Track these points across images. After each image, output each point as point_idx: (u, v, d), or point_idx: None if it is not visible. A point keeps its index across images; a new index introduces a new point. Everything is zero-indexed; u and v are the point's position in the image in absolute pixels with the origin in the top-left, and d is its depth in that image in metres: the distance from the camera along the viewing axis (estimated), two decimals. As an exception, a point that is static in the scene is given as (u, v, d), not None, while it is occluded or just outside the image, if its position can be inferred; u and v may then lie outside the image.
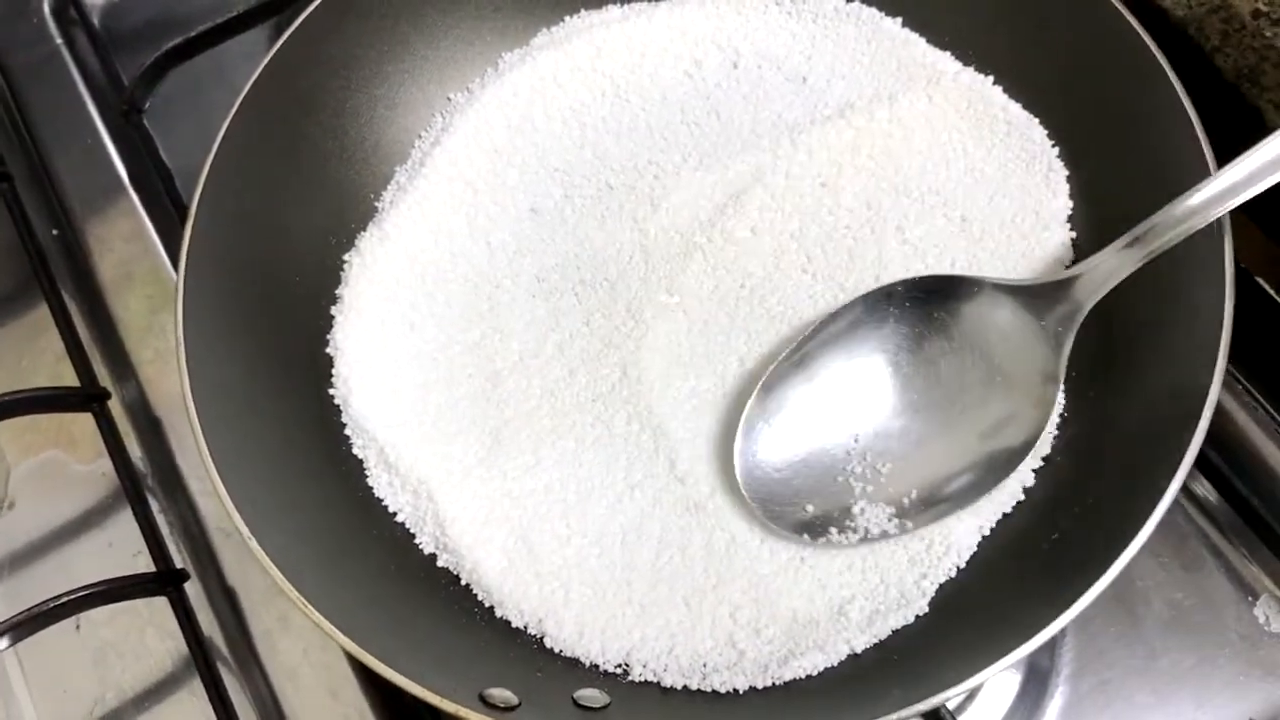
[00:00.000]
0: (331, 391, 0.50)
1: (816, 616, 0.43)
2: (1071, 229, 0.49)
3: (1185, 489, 0.50)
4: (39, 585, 0.54)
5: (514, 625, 0.45)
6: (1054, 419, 0.45)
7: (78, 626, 0.54)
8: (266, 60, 0.52)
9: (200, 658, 0.51)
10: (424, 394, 0.49)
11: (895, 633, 0.43)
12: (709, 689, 0.42)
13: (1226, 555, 0.49)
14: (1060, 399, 0.45)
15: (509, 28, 0.58)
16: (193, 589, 0.53)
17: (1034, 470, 0.45)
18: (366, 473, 0.49)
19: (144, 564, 0.54)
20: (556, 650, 0.44)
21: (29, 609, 0.49)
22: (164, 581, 0.53)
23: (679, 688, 0.43)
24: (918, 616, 0.43)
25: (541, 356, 0.50)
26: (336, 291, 0.52)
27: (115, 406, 0.58)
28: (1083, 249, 0.48)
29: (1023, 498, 0.45)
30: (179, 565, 0.54)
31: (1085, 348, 0.46)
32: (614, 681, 0.43)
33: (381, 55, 0.56)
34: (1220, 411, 0.47)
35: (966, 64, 0.53)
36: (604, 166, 0.54)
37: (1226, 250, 0.41)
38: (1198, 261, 0.42)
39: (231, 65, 0.66)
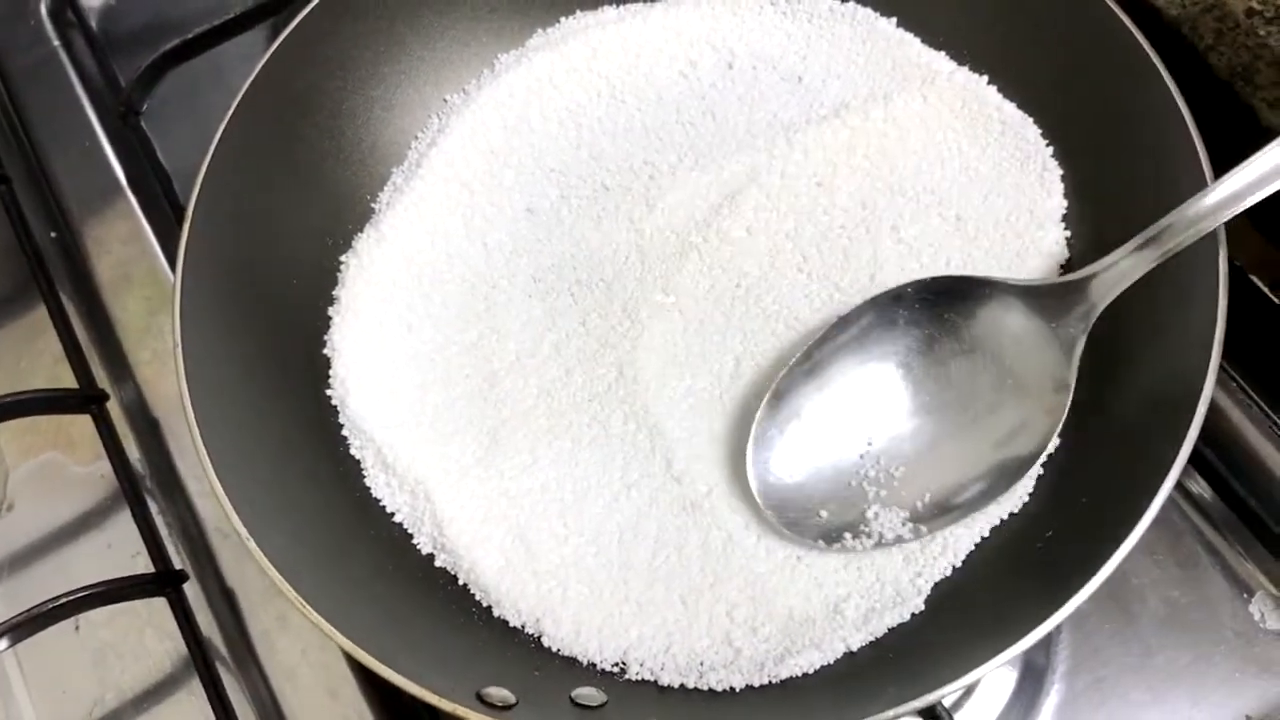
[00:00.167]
0: (329, 392, 0.50)
1: (813, 615, 0.43)
2: (1066, 228, 0.49)
3: (1180, 486, 0.50)
4: (38, 586, 0.55)
5: (511, 624, 0.45)
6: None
7: (77, 627, 0.54)
8: (263, 62, 0.52)
9: (199, 658, 0.51)
10: (421, 394, 0.50)
11: (891, 631, 0.43)
12: (706, 687, 0.43)
13: (1221, 553, 0.49)
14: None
15: (505, 29, 0.58)
16: (191, 590, 0.53)
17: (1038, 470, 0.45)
18: (364, 473, 0.49)
19: (143, 565, 0.54)
20: (554, 649, 0.44)
21: (28, 610, 0.49)
22: (163, 582, 0.53)
23: (676, 686, 0.43)
24: (913, 614, 0.43)
25: (538, 356, 0.50)
26: (334, 292, 0.52)
27: (114, 408, 0.58)
28: (1077, 247, 0.49)
29: (1027, 499, 0.45)
30: (178, 566, 0.54)
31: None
32: (611, 680, 0.43)
33: (378, 57, 0.56)
34: (1215, 409, 0.47)
35: (961, 64, 0.53)
36: (600, 167, 0.54)
37: (1221, 248, 0.42)
38: (1192, 260, 0.42)
39: (228, 67, 0.67)
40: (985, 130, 0.51)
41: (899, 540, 0.44)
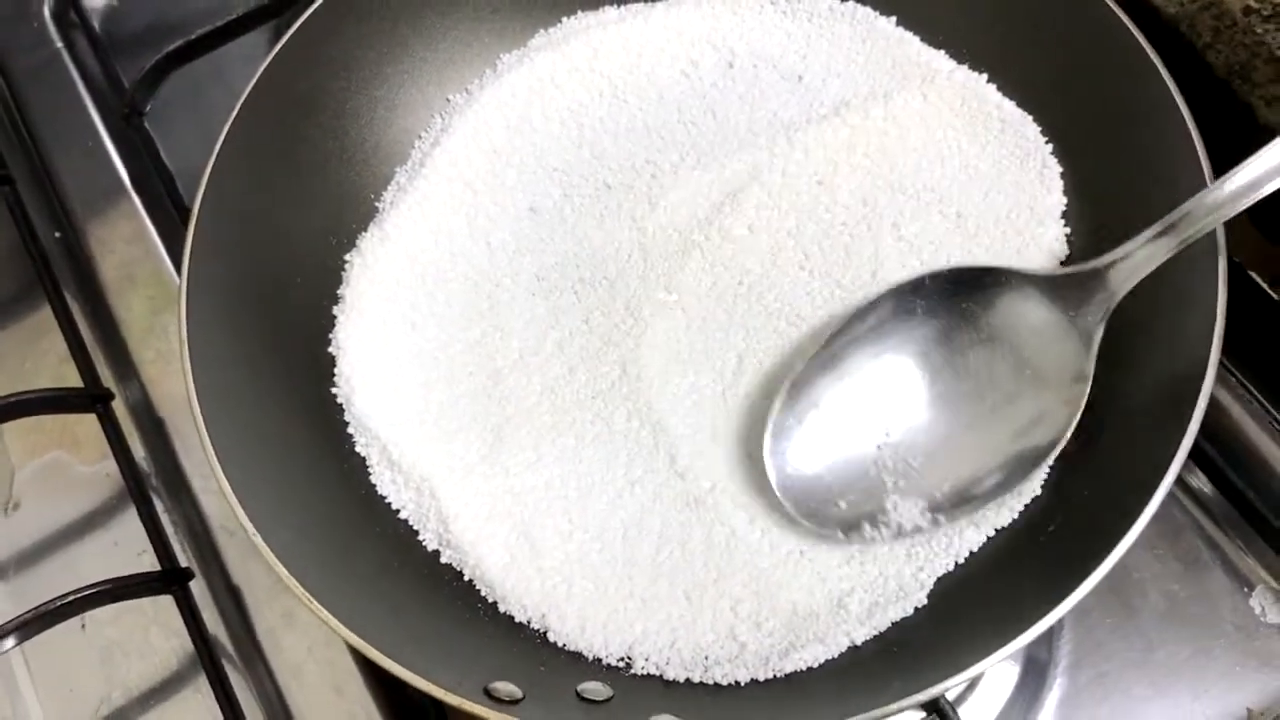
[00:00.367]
0: (334, 390, 0.50)
1: (816, 609, 0.43)
2: (1066, 224, 0.49)
3: (1181, 482, 0.50)
4: (45, 585, 0.55)
5: (517, 620, 0.45)
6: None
7: (83, 625, 0.54)
8: (267, 63, 0.52)
9: (205, 655, 0.51)
10: (426, 392, 0.50)
11: (894, 625, 0.43)
12: (711, 681, 0.43)
13: (1222, 547, 0.49)
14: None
15: (507, 29, 0.58)
16: (197, 587, 0.54)
17: (1048, 467, 0.45)
18: (369, 470, 0.49)
19: (149, 563, 0.54)
20: (559, 644, 0.44)
21: (35, 608, 0.49)
22: (169, 580, 0.53)
23: (681, 680, 0.43)
24: (916, 609, 0.43)
25: (541, 354, 0.50)
26: (338, 291, 0.52)
27: (119, 407, 0.58)
28: (1077, 244, 0.49)
29: (1039, 493, 0.44)
30: (183, 564, 0.54)
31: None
32: (617, 675, 0.44)
33: (381, 57, 0.56)
34: (1215, 405, 0.47)
35: (960, 62, 0.53)
36: (602, 166, 0.54)
37: (1220, 245, 0.42)
38: (1191, 257, 0.42)
39: (231, 68, 0.67)
40: (985, 128, 0.51)
41: (917, 531, 0.44)
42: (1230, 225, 0.42)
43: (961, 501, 0.44)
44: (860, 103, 0.52)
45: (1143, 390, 0.44)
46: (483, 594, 0.46)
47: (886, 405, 0.45)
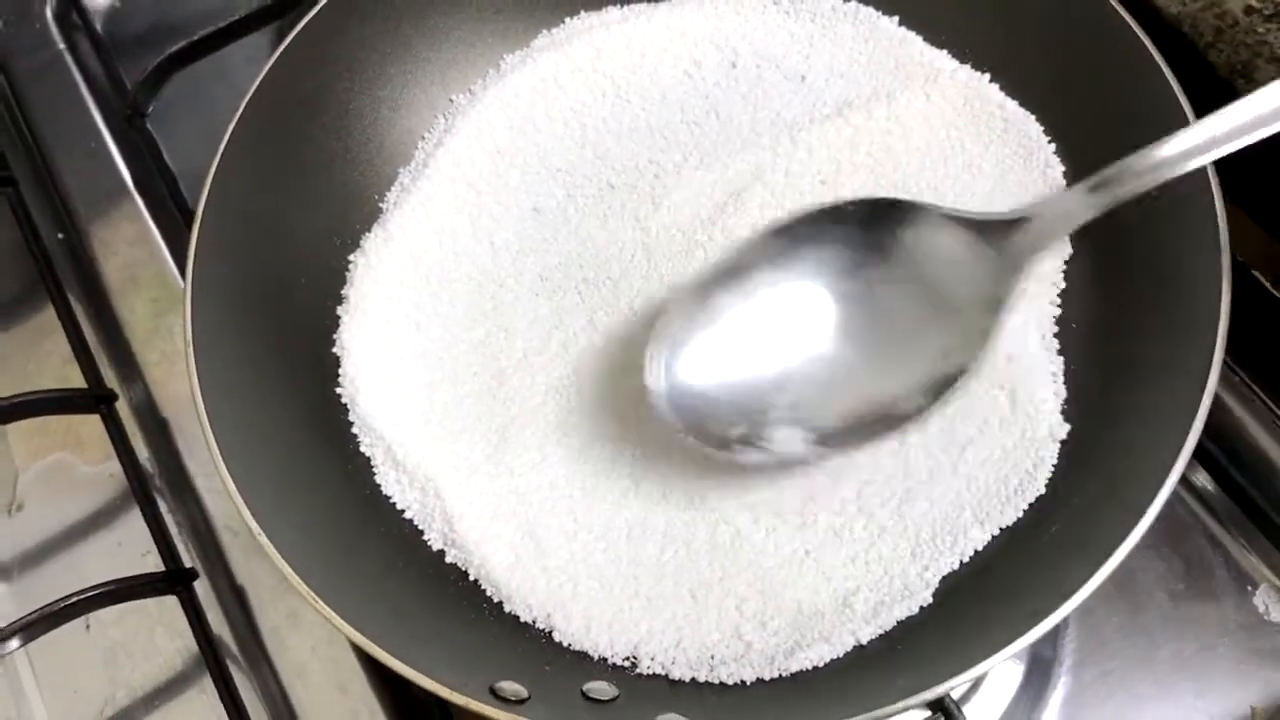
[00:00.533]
0: (338, 390, 0.50)
1: (821, 608, 0.43)
2: (1069, 224, 0.49)
3: (1184, 480, 0.50)
4: (49, 585, 0.55)
5: (522, 620, 0.45)
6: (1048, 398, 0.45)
7: (88, 626, 0.54)
8: (270, 63, 0.52)
9: (210, 656, 0.51)
10: (430, 392, 0.50)
11: (899, 624, 0.43)
12: (717, 681, 0.43)
13: (1225, 546, 0.50)
14: (1051, 372, 0.46)
15: (510, 30, 0.58)
16: (202, 588, 0.54)
17: (1052, 465, 0.45)
18: (374, 470, 0.49)
19: (153, 563, 0.54)
20: (565, 644, 0.44)
21: (39, 609, 0.49)
22: (173, 580, 0.53)
23: (687, 680, 0.43)
24: (922, 607, 0.43)
25: (546, 354, 0.50)
26: (342, 292, 0.52)
27: (122, 408, 0.58)
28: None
29: (1043, 491, 0.44)
30: (188, 564, 0.54)
31: (1083, 340, 0.47)
32: (622, 674, 0.44)
33: (384, 58, 0.56)
34: (1218, 403, 0.47)
35: (963, 62, 0.53)
36: (605, 166, 0.54)
37: (1223, 245, 0.42)
38: (1194, 256, 0.42)
39: (234, 69, 0.67)
40: (988, 128, 0.51)
41: (802, 460, 0.43)
42: (1233, 224, 0.42)
43: (854, 431, 0.43)
44: (863, 102, 0.52)
45: (1146, 389, 0.44)
46: (488, 594, 0.46)
47: (789, 328, 0.45)
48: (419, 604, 0.45)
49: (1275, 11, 0.46)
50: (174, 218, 0.63)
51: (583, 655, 0.44)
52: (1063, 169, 0.50)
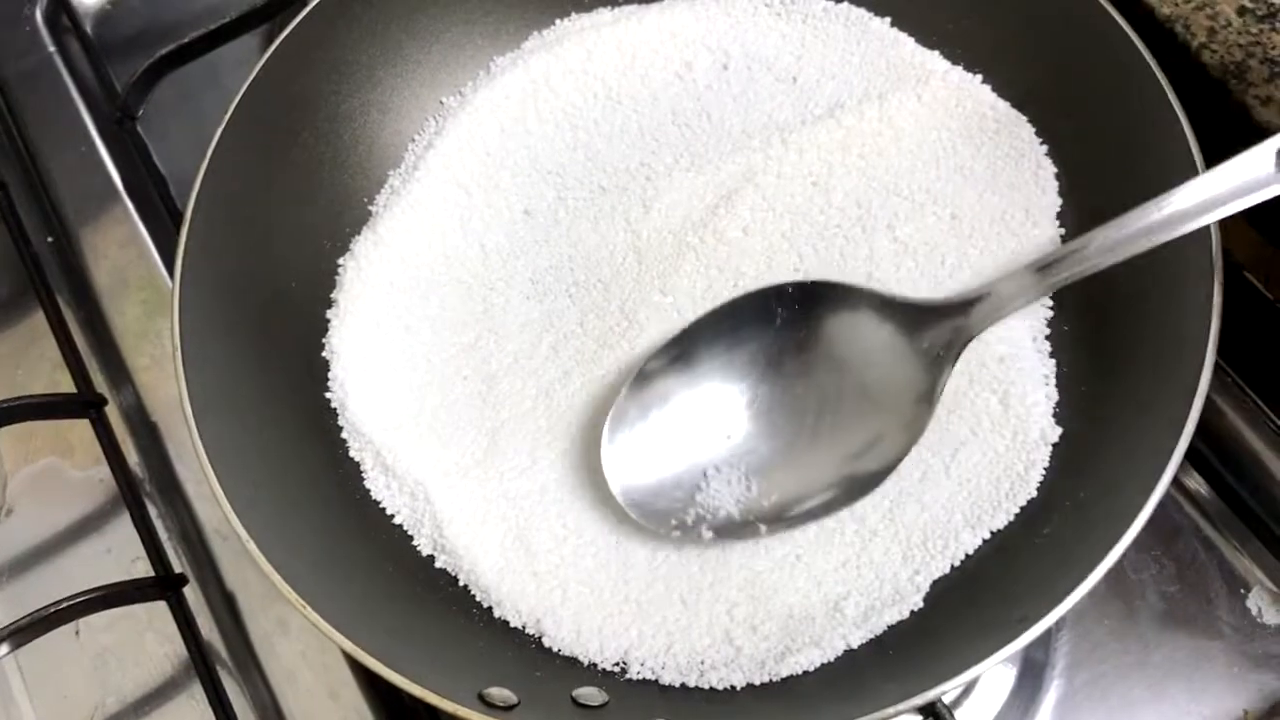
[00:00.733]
0: (328, 395, 0.50)
1: (812, 613, 0.43)
2: (1060, 225, 0.49)
3: (1177, 482, 0.50)
4: (38, 591, 0.54)
5: (512, 625, 0.45)
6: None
7: (77, 632, 0.54)
8: (259, 66, 0.52)
9: (200, 662, 0.51)
10: (420, 396, 0.50)
11: (891, 628, 0.43)
12: (707, 686, 0.43)
13: (1218, 548, 0.49)
14: (1043, 375, 0.46)
15: (500, 31, 0.58)
16: (191, 593, 0.53)
17: (1044, 469, 0.45)
18: (364, 475, 0.49)
19: (143, 569, 0.54)
20: (555, 649, 0.44)
21: (28, 615, 0.49)
22: (163, 586, 0.53)
23: (677, 685, 0.43)
24: (913, 612, 0.43)
25: (536, 358, 0.50)
26: (332, 295, 0.52)
27: (112, 413, 0.58)
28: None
29: (1035, 495, 0.44)
30: (177, 570, 0.54)
31: (1075, 344, 0.47)
32: (612, 680, 0.43)
33: (374, 60, 0.56)
34: (1211, 406, 0.47)
35: (955, 63, 0.53)
36: (596, 168, 0.54)
37: (1215, 247, 0.42)
38: (1187, 257, 0.42)
39: (224, 71, 0.67)
40: (980, 129, 0.51)
41: (738, 538, 0.44)
42: (1226, 226, 0.42)
43: (786, 515, 0.44)
44: (855, 104, 0.52)
45: (1138, 392, 0.43)
46: (477, 599, 0.46)
47: (730, 409, 0.46)
48: (408, 610, 0.45)
49: (1269, 12, 0.46)
50: (164, 221, 0.63)
51: (572, 661, 0.44)
52: (1054, 170, 0.50)
